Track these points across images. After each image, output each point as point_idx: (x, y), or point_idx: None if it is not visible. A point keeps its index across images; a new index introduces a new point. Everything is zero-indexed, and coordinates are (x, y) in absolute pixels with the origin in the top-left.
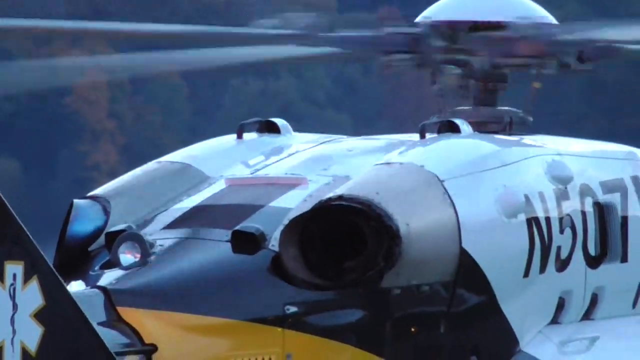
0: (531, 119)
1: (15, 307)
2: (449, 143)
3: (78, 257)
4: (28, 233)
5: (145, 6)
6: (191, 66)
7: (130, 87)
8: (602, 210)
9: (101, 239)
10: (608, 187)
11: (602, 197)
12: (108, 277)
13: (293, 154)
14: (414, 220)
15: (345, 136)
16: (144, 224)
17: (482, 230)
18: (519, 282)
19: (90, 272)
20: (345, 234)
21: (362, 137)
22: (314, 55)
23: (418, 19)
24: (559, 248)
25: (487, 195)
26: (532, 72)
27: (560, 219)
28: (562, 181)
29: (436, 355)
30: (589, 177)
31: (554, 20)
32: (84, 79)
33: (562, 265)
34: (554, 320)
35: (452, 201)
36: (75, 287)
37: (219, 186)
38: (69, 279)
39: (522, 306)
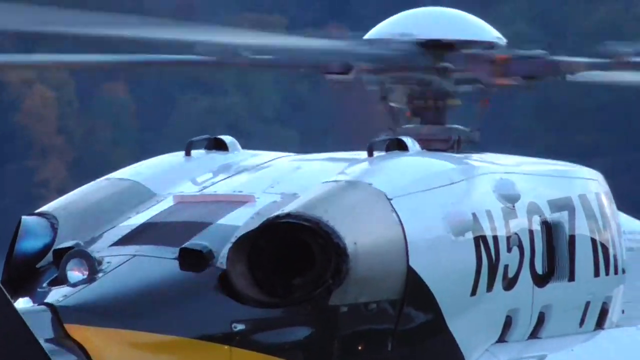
0: (479, 136)
1: None
2: (397, 161)
3: (26, 274)
4: None
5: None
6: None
7: (79, 104)
8: (549, 229)
9: (49, 256)
10: (556, 206)
11: (550, 216)
12: (55, 294)
13: (241, 171)
14: (361, 238)
15: (293, 153)
16: (92, 241)
17: (429, 249)
18: (466, 301)
19: (38, 289)
20: (294, 251)
21: (310, 154)
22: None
23: (368, 36)
24: (506, 266)
25: (435, 213)
26: (480, 90)
27: (508, 238)
28: (510, 199)
29: None
30: (537, 195)
31: (502, 39)
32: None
33: (510, 283)
34: (501, 339)
35: (399, 219)
36: (23, 304)
37: (166, 203)
38: (16, 296)
39: (469, 324)
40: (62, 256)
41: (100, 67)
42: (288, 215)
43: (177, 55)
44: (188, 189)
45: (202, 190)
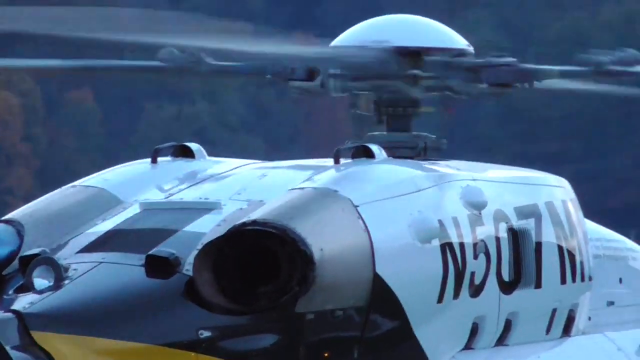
0: (445, 143)
1: None
2: (363, 168)
3: None
4: None
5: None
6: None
7: (44, 111)
8: (516, 236)
9: (15, 263)
10: (522, 213)
11: (517, 223)
12: (22, 301)
13: (207, 178)
14: (328, 245)
15: (259, 161)
16: (58, 248)
17: (395, 256)
18: (432, 308)
19: (4, 297)
20: (260, 258)
21: (276, 161)
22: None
23: (334, 43)
24: (472, 274)
25: (401, 220)
26: (446, 97)
27: (475, 245)
28: (476, 207)
29: None
30: (503, 202)
31: (470, 46)
32: None
33: (476, 290)
34: (468, 346)
35: (366, 226)
36: None
37: (133, 210)
38: None
39: (435, 332)
40: (28, 263)
41: (63, 72)
42: (254, 222)
43: (142, 62)
44: (154, 196)
45: (168, 197)
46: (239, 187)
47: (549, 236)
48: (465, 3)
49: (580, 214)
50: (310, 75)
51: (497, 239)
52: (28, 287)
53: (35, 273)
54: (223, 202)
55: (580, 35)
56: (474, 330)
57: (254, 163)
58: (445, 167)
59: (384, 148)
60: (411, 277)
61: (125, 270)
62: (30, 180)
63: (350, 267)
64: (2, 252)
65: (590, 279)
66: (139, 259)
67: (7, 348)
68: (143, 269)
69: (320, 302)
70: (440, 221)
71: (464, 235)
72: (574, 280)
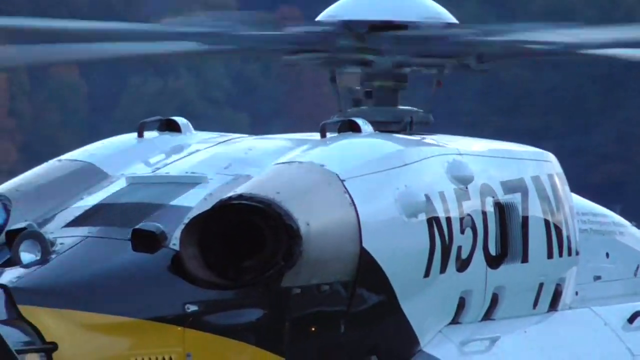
0: (432, 118)
1: None
2: (349, 142)
3: None
4: None
5: (43, 4)
6: (90, 58)
7: (30, 86)
8: (502, 211)
9: (1, 237)
10: (509, 187)
11: (503, 197)
12: (8, 275)
13: (194, 152)
14: (314, 219)
15: (246, 135)
16: (45, 222)
17: (382, 230)
18: (419, 282)
19: None
20: (246, 233)
21: (262, 136)
22: (216, 52)
23: (320, 18)
24: (459, 248)
25: (388, 194)
26: (432, 71)
27: (461, 219)
28: (462, 181)
29: (336, 355)
30: (489, 177)
31: (454, 20)
32: None
33: (463, 265)
34: (455, 320)
35: (352, 201)
36: None
37: (119, 185)
38: None
39: (422, 306)
40: (15, 237)
41: (49, 32)
42: (240, 196)
43: (130, 24)
44: (141, 170)
45: (154, 171)
46: (225, 162)
47: (535, 210)
48: None
49: (567, 188)
50: (296, 50)
51: (484, 214)
52: (15, 261)
53: (22, 247)
54: (209, 176)
55: (566, 9)
56: (461, 305)
57: (240, 137)
58: (432, 142)
59: (370, 122)
60: (398, 252)
61: (111, 245)
62: (16, 154)
63: (337, 242)
64: None
65: (577, 253)
66: (125, 233)
67: None
68: (129, 243)
69: (306, 277)
70: (426, 195)
71: (451, 209)
72: (560, 254)
